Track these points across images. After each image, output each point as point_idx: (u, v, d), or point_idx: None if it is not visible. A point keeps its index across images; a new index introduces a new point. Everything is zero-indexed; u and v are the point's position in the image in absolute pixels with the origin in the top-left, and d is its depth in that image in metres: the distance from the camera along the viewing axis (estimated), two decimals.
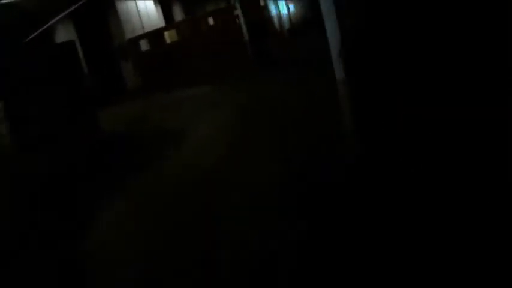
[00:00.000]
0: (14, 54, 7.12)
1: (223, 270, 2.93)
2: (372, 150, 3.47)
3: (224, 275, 2.88)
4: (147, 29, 14.92)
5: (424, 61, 3.18)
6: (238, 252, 3.09)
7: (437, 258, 2.41)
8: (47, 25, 11.63)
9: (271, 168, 4.47)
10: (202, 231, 3.56)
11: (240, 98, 8.91)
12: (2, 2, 10.07)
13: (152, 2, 16.61)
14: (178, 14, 19.15)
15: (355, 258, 2.65)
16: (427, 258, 2.43)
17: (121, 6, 14.03)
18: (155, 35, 14.20)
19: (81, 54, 12.13)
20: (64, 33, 13.25)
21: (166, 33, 14.44)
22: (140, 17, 15.25)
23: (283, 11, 18.92)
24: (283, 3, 19.12)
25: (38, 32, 11.32)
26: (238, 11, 13.03)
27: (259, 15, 14.38)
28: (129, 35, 14.06)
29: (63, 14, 11.43)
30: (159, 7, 17.12)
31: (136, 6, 15.19)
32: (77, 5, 11.39)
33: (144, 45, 14.32)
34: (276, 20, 16.57)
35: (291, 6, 20.20)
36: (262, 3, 16.05)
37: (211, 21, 13.72)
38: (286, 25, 18.60)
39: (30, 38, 11.09)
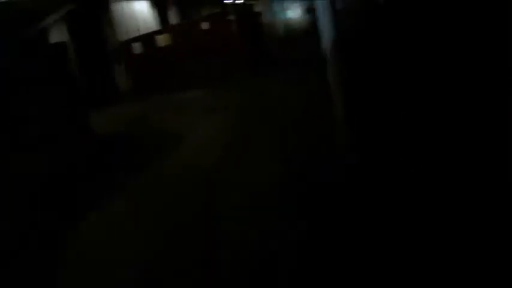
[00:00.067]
0: (2, 53, 7.06)
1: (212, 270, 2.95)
2: (370, 151, 3.49)
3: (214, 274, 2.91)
4: (143, 32, 14.89)
5: (422, 60, 3.21)
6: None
7: (435, 259, 2.44)
8: (39, 25, 11.57)
9: (267, 170, 4.50)
10: (196, 232, 3.60)
11: (232, 103, 8.94)
12: None
13: (148, 5, 16.60)
14: (173, 18, 19.18)
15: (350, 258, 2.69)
16: (425, 259, 2.46)
17: (116, 8, 14.01)
18: (149, 38, 14.18)
19: (73, 56, 12.07)
20: (57, 34, 13.20)
21: (160, 36, 14.42)
22: (135, 20, 15.24)
23: (281, 16, 19.02)
24: (281, 9, 19.23)
25: (30, 32, 11.26)
26: (232, 16, 13.08)
27: (253, 21, 14.47)
28: (123, 37, 14.03)
29: (56, 14, 11.38)
30: (155, 10, 17.12)
31: (132, 8, 15.18)
32: (70, 6, 11.35)
33: (138, 47, 14.29)
34: (272, 26, 16.64)
35: (289, 12, 20.31)
36: (257, 9, 16.15)
37: (206, 25, 13.74)
38: (283, 31, 18.67)
39: (21, 38, 11.02)
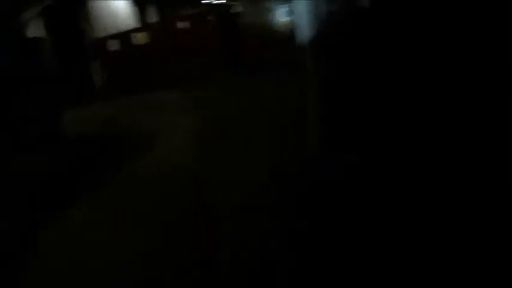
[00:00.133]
0: None
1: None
2: (359, 153, 3.52)
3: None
4: (121, 29, 14.72)
5: (410, 62, 3.25)
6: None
7: (418, 266, 2.47)
8: (14, 19, 11.33)
9: (244, 173, 4.53)
10: (163, 233, 3.60)
11: (211, 103, 8.94)
12: None
13: (127, 2, 16.43)
14: (153, 16, 19.03)
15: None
16: (408, 266, 2.49)
17: (94, 4, 13.81)
18: (127, 36, 14.04)
19: (49, 52, 11.84)
20: (34, 30, 12.90)
21: (138, 34, 14.29)
22: (114, 17, 15.06)
23: (261, 18, 19.05)
24: (261, 10, 19.25)
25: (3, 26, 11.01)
26: (212, 16, 13.09)
27: (232, 21, 14.49)
28: (101, 34, 13.84)
29: (34, 9, 11.16)
30: (134, 8, 16.96)
31: (111, 5, 14.99)
32: (48, 1, 11.15)
33: (115, 45, 14.12)
34: (252, 27, 16.68)
35: (269, 14, 20.33)
36: (237, 9, 16.18)
37: (185, 24, 13.69)
38: (263, 32, 18.72)
39: None
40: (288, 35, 15.56)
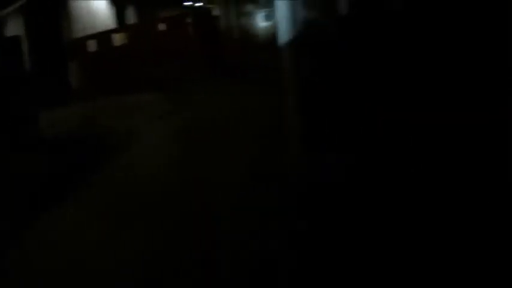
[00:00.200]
0: None
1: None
2: (341, 153, 3.56)
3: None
4: (99, 30, 14.59)
5: (401, 63, 3.31)
6: None
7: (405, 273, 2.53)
8: None
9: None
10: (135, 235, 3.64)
11: (188, 105, 8.96)
12: None
13: (107, 3, 16.30)
14: (132, 18, 18.92)
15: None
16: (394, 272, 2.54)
17: (74, 4, 13.65)
18: (106, 36, 13.94)
19: (27, 51, 11.68)
20: (14, 28, 12.67)
21: (116, 35, 14.21)
22: (93, 17, 14.92)
23: (240, 21, 19.12)
24: (240, 13, 19.33)
25: None
26: (191, 19, 13.13)
27: (211, 24, 14.54)
28: (80, 34, 13.68)
29: (13, 6, 10.98)
30: (113, 8, 16.84)
31: (90, 5, 14.84)
32: None
33: (93, 45, 13.99)
34: (231, 30, 16.76)
35: (249, 17, 20.42)
36: (216, 13, 16.24)
37: (164, 26, 13.69)
38: (242, 35, 18.81)
39: None
40: (268, 38, 15.70)
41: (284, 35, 3.81)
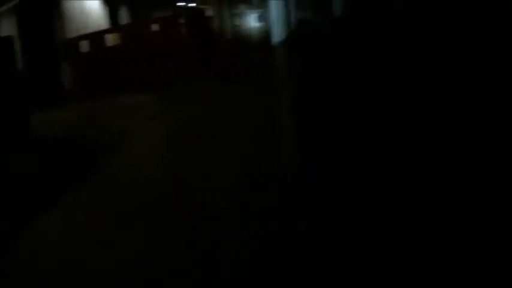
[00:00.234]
0: None
1: None
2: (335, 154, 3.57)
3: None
4: (92, 30, 14.53)
5: (397, 62, 3.33)
6: None
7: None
8: None
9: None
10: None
11: (182, 105, 8.96)
12: None
13: (100, 3, 16.25)
14: (125, 18, 18.87)
15: None
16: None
17: (67, 5, 13.58)
18: (99, 37, 13.89)
19: (20, 52, 11.62)
20: (7, 28, 12.58)
21: (110, 36, 14.16)
22: (86, 17, 14.86)
23: (233, 22, 19.14)
24: (233, 15, 19.36)
25: None
26: (184, 19, 13.12)
27: (204, 25, 14.54)
28: (73, 34, 13.61)
29: (6, 6, 10.91)
30: (106, 9, 16.78)
31: (83, 5, 14.77)
32: None
33: (86, 46, 13.93)
34: (224, 31, 16.79)
35: (241, 19, 20.46)
36: (208, 13, 16.25)
37: (157, 27, 13.67)
38: (235, 36, 18.84)
39: None
40: (261, 38, 15.72)
41: (277, 35, 3.83)
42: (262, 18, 20.45)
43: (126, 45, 13.46)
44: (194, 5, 21.08)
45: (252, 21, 21.37)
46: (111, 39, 14.15)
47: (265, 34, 5.45)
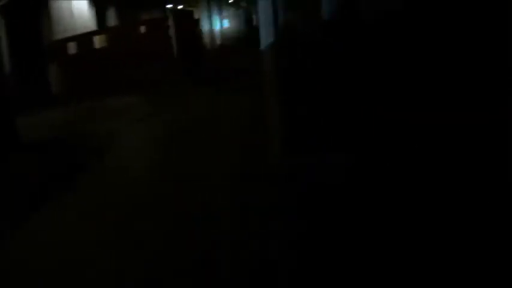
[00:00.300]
0: None
1: None
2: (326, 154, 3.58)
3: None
4: (80, 32, 14.43)
5: (396, 64, 3.35)
6: None
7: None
8: None
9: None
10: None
11: (169, 107, 8.96)
12: None
13: (88, 5, 16.15)
14: (112, 20, 18.78)
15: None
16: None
17: (55, 6, 13.47)
18: (86, 39, 13.81)
19: (6, 53, 11.52)
20: None
21: (97, 38, 14.08)
22: (74, 19, 14.75)
23: (220, 25, 19.20)
24: (218, 18, 19.42)
25: None
26: (171, 22, 13.12)
27: (192, 27, 14.55)
28: (60, 36, 13.51)
29: None
30: (93, 10, 16.69)
31: (71, 6, 14.67)
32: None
33: (73, 47, 13.83)
34: (211, 33, 16.82)
35: (229, 21, 20.54)
36: (196, 16, 16.26)
37: (144, 29, 13.64)
38: (222, 39, 18.90)
39: None
40: (248, 41, 15.75)
41: (265, 37, 3.86)
42: (250, 20, 20.51)
43: (114, 47, 13.40)
44: (182, 7, 21.09)
45: (240, 23, 21.43)
46: (98, 41, 14.08)
47: (254, 36, 5.50)
